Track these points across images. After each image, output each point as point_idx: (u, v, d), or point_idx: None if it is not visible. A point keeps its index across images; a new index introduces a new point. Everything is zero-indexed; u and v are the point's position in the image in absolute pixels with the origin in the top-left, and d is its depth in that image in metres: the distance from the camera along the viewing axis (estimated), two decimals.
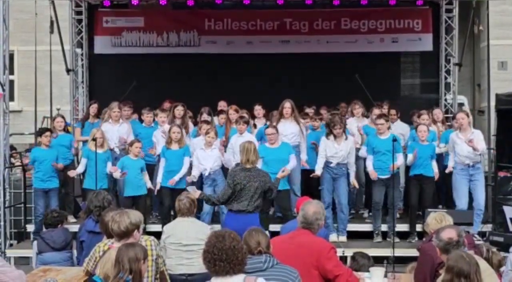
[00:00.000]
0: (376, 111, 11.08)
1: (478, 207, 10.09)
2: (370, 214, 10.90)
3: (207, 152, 10.09)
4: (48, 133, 10.63)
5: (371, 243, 10.24)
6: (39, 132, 10.78)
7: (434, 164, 10.33)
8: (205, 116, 11.26)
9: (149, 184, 10.44)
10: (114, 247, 5.36)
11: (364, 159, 10.54)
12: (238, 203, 8.26)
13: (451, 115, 12.75)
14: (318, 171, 10.11)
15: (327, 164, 10.11)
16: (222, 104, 12.16)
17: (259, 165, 9.12)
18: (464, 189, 10.12)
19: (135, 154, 10.32)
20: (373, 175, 10.13)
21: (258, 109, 11.37)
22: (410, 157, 10.22)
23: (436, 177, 10.32)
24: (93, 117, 11.83)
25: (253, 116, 11.39)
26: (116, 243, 5.53)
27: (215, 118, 11.45)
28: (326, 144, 10.12)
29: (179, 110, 11.13)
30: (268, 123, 10.88)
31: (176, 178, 10.11)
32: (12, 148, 12.49)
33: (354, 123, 11.23)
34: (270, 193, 8.46)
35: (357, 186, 10.50)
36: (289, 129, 10.44)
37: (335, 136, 10.04)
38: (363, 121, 11.39)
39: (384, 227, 10.49)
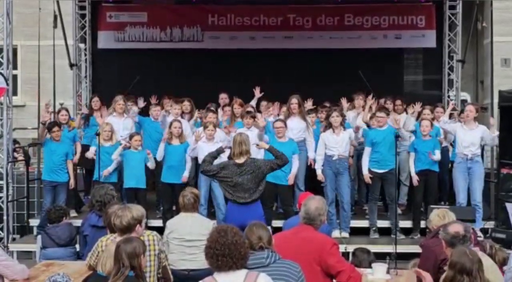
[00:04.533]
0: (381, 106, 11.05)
1: (473, 202, 10.09)
2: None
3: (209, 145, 10.09)
4: (56, 128, 10.62)
5: (373, 239, 10.24)
6: (48, 128, 10.72)
7: (438, 152, 10.31)
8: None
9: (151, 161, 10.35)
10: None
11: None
12: (235, 196, 8.23)
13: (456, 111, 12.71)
14: (319, 170, 10.12)
15: (328, 159, 10.07)
16: (223, 97, 12.16)
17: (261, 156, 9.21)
18: (463, 183, 10.11)
19: (135, 147, 10.34)
20: (366, 178, 10.21)
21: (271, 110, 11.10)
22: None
23: (436, 156, 10.26)
24: (97, 112, 11.76)
25: (259, 112, 11.38)
26: (118, 238, 5.52)
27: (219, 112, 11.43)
28: (324, 137, 10.09)
29: (186, 105, 11.15)
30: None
31: (186, 175, 10.16)
32: (15, 142, 12.50)
33: (352, 115, 11.21)
34: (279, 161, 8.36)
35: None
36: (295, 125, 10.41)
37: (333, 130, 10.03)
38: (362, 114, 11.32)
39: (386, 223, 10.48)
